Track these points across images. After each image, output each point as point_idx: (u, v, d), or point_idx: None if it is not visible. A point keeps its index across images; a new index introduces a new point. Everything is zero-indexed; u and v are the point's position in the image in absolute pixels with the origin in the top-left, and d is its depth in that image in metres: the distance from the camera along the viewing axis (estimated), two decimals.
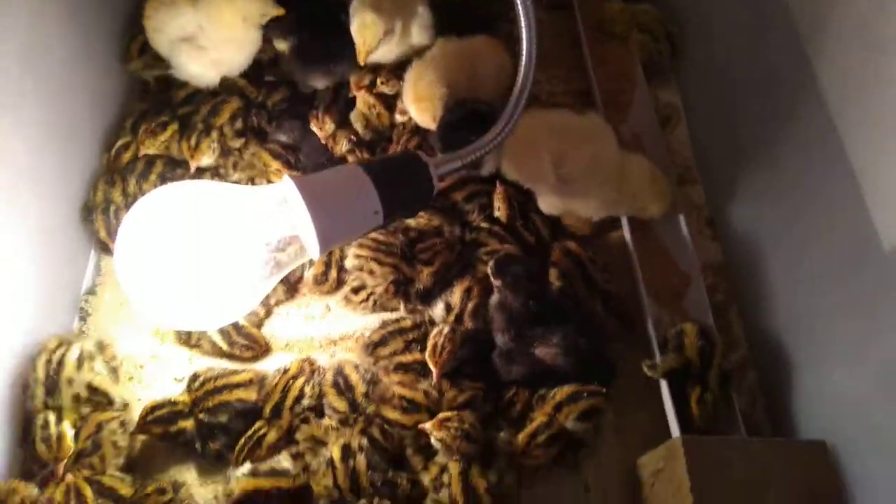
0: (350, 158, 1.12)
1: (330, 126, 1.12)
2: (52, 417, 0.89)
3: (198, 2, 1.09)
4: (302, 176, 0.84)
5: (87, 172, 1.09)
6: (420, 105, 1.06)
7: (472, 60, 1.13)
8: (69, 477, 0.84)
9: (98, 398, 0.93)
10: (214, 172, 1.13)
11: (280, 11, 1.10)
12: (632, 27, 1.28)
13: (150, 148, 1.09)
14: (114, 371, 0.96)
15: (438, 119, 1.06)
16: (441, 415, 0.88)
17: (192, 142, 1.08)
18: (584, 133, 1.06)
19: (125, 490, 0.86)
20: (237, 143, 1.14)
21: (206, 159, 1.09)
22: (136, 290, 0.81)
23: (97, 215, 1.05)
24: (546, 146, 1.03)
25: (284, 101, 1.18)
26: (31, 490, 0.83)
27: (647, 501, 0.90)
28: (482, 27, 1.23)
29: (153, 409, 0.91)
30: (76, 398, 0.92)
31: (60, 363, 0.92)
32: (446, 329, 0.95)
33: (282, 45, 1.16)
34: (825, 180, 0.92)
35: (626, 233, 1.11)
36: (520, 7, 0.93)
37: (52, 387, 0.91)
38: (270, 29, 1.14)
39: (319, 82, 1.18)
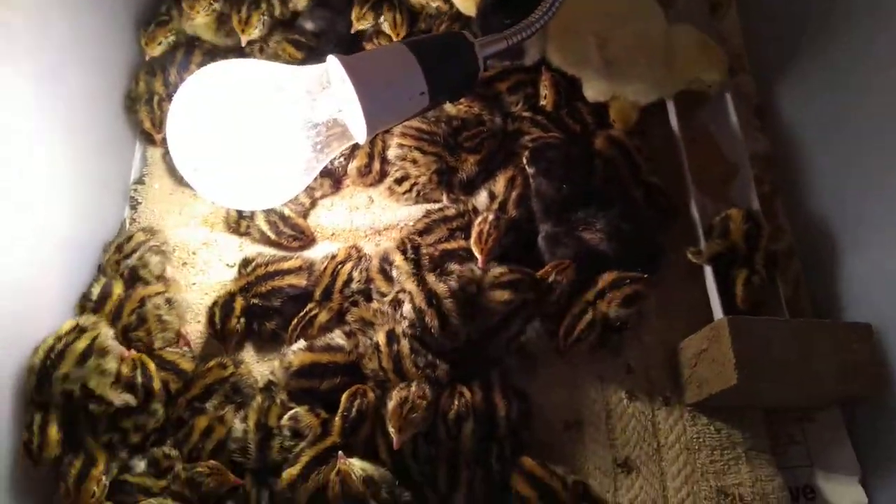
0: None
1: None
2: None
3: None
4: (346, 56, 0.82)
5: (128, 64, 1.09)
6: None
7: None
8: (133, 352, 0.88)
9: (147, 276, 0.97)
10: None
11: None
12: None
13: (198, 13, 1.07)
14: (164, 255, 0.99)
15: (479, 4, 1.03)
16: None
17: (243, 14, 1.07)
18: (628, 12, 1.02)
19: (186, 365, 0.90)
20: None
21: (256, 32, 1.08)
22: (188, 169, 0.82)
23: (140, 106, 1.06)
24: (590, 28, 1.00)
25: None
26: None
27: (689, 381, 0.91)
28: None
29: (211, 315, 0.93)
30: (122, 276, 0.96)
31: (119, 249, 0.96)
32: (491, 216, 0.95)
33: None
34: (881, 67, 0.89)
35: (673, 120, 1.08)
36: None
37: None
38: None
39: None
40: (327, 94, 0.85)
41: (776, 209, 1.06)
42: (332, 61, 0.83)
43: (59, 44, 0.90)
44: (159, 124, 1.04)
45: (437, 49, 0.87)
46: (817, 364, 0.86)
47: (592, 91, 1.06)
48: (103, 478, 0.80)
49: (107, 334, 0.85)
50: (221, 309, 0.93)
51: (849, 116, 0.97)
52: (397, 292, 0.91)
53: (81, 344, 0.82)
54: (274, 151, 0.84)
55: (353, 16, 1.10)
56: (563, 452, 0.90)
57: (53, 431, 0.80)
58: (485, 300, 0.90)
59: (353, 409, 0.84)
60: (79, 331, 0.84)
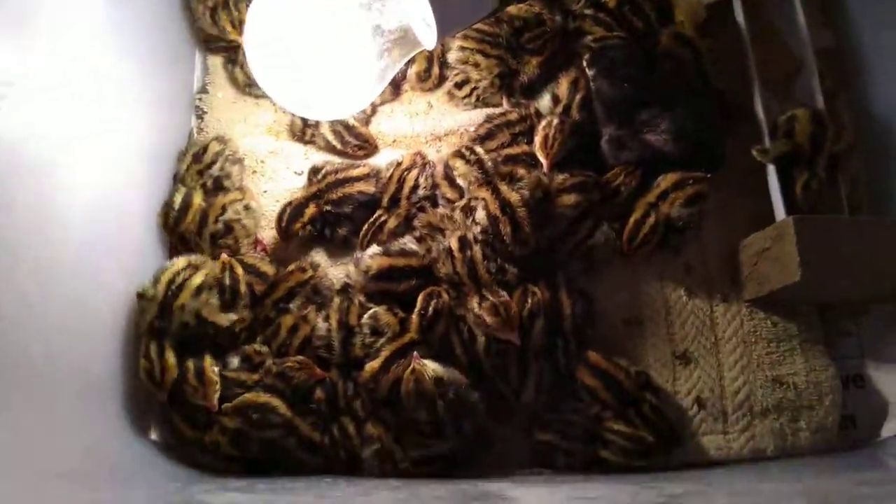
0: None
1: None
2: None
3: None
4: None
5: None
6: None
7: None
8: (224, 256, 0.93)
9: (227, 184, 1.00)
10: None
11: None
12: None
13: None
14: (238, 162, 1.01)
15: None
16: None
17: None
18: None
19: (266, 268, 0.95)
20: None
21: None
22: (265, 79, 0.83)
23: (219, 11, 1.05)
24: None
25: None
26: None
27: (749, 279, 0.95)
28: None
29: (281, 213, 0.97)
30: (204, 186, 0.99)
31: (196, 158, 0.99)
32: (556, 120, 0.96)
33: None
34: None
35: (739, 16, 1.05)
36: None
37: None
38: None
39: None
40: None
41: (839, 106, 1.05)
42: None
43: None
44: (239, 25, 1.03)
45: None
46: (878, 261, 0.88)
47: None
48: (216, 369, 0.88)
49: (214, 270, 0.92)
50: (292, 210, 0.97)
51: None
52: (469, 199, 0.94)
53: (197, 280, 0.89)
54: (347, 59, 0.84)
55: None
56: (624, 347, 0.95)
57: (171, 357, 0.87)
58: (552, 206, 0.92)
59: (430, 308, 0.88)
60: (192, 268, 0.91)
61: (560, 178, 0.94)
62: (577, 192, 0.93)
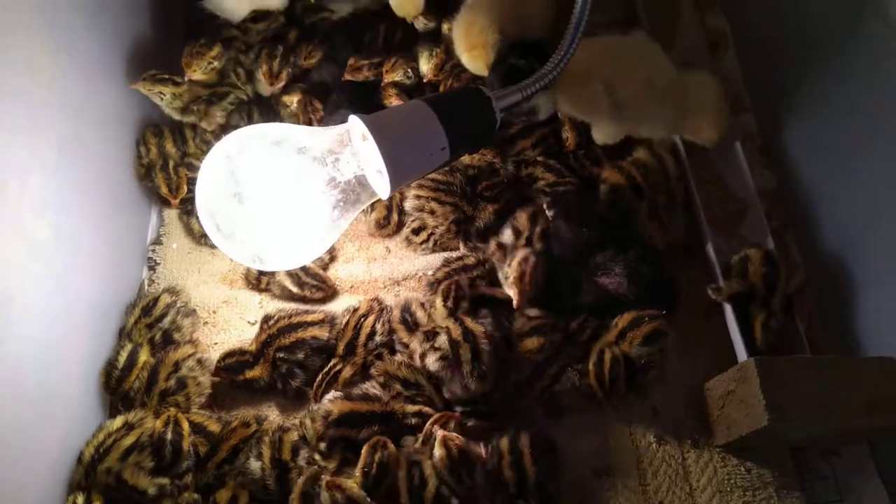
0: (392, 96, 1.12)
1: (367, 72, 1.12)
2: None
3: None
4: (368, 115, 0.83)
5: (141, 125, 1.09)
6: (473, 53, 1.03)
7: None
8: (171, 409, 0.88)
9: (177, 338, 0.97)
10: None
11: None
12: None
13: (196, 71, 1.06)
14: (190, 315, 0.99)
15: (491, 66, 1.05)
16: None
17: (275, 68, 1.10)
18: (634, 56, 1.04)
19: (213, 427, 0.90)
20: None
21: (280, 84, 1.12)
22: (214, 233, 0.82)
23: (156, 172, 1.06)
24: (597, 74, 1.02)
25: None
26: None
27: (718, 423, 0.92)
28: None
29: (224, 358, 0.95)
30: (151, 341, 0.96)
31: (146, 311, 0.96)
32: (532, 258, 0.96)
33: None
34: (880, 98, 0.91)
35: (684, 160, 1.10)
36: None
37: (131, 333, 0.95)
38: None
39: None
40: (349, 152, 0.85)
41: (788, 244, 1.08)
42: (354, 120, 0.83)
43: (77, 110, 0.90)
44: (176, 189, 1.05)
45: (456, 104, 0.88)
46: (845, 401, 0.86)
47: (601, 135, 1.08)
48: None
49: (155, 427, 0.87)
50: (234, 364, 0.94)
51: (850, 149, 1.00)
52: (433, 327, 0.93)
53: (128, 440, 0.85)
54: (300, 211, 0.84)
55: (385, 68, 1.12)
56: (595, 500, 0.90)
57: None
58: (516, 351, 0.91)
59: (374, 464, 0.84)
60: (128, 427, 0.86)
61: (521, 321, 0.93)
62: (540, 335, 0.92)
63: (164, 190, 1.05)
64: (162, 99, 1.06)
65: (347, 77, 1.12)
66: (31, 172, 0.81)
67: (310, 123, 1.10)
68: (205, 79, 1.08)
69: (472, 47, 1.05)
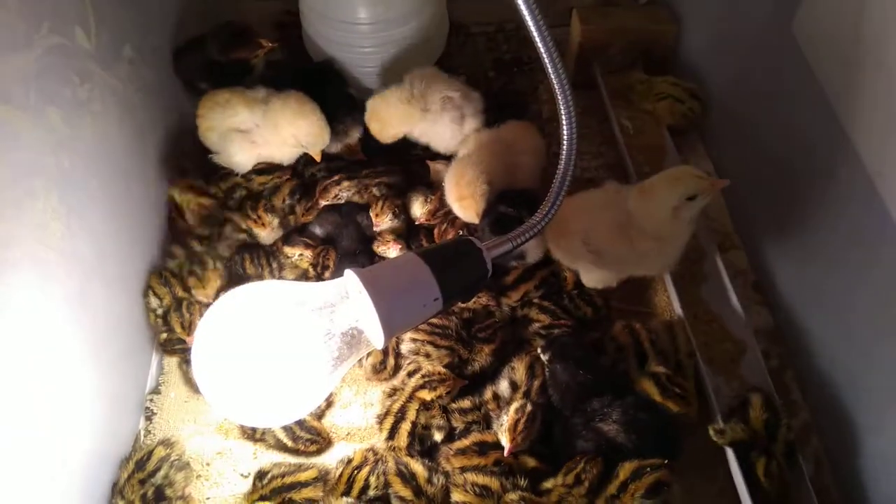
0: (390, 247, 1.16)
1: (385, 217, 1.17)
2: None
3: (252, 106, 1.18)
4: (362, 268, 0.86)
5: (146, 276, 1.13)
6: (464, 203, 1.10)
7: (508, 148, 1.17)
8: None
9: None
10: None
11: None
12: (651, 96, 1.33)
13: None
14: (184, 468, 0.97)
15: (482, 214, 1.10)
16: None
17: (260, 213, 1.17)
18: (601, 204, 1.07)
19: None
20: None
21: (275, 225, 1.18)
22: (212, 392, 0.83)
23: (171, 314, 1.09)
24: (575, 226, 1.06)
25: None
26: None
27: None
28: (515, 112, 1.29)
29: None
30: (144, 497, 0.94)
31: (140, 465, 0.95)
32: (529, 407, 0.96)
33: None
34: (864, 233, 0.93)
35: (674, 299, 1.12)
36: (558, 93, 0.97)
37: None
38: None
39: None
40: (346, 305, 0.88)
41: (787, 382, 1.07)
42: (349, 275, 0.87)
43: (85, 269, 0.94)
44: (189, 327, 1.07)
45: (448, 256, 0.91)
46: None
47: (590, 281, 1.11)
48: None
49: None
50: None
51: (841, 284, 1.01)
52: None
53: None
54: (297, 366, 0.85)
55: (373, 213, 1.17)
56: None
57: None
58: None
59: None
60: None
61: (509, 494, 0.91)
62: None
63: (178, 330, 1.07)
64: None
65: (320, 200, 1.19)
66: (38, 332, 0.83)
67: (321, 273, 1.15)
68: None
69: (461, 197, 1.10)
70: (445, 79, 1.21)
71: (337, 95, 1.26)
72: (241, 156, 1.21)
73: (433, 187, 1.21)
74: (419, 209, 1.19)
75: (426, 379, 1.01)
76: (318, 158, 1.21)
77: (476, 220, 1.09)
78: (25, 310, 0.80)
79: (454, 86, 1.20)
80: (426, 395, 1.00)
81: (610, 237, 1.04)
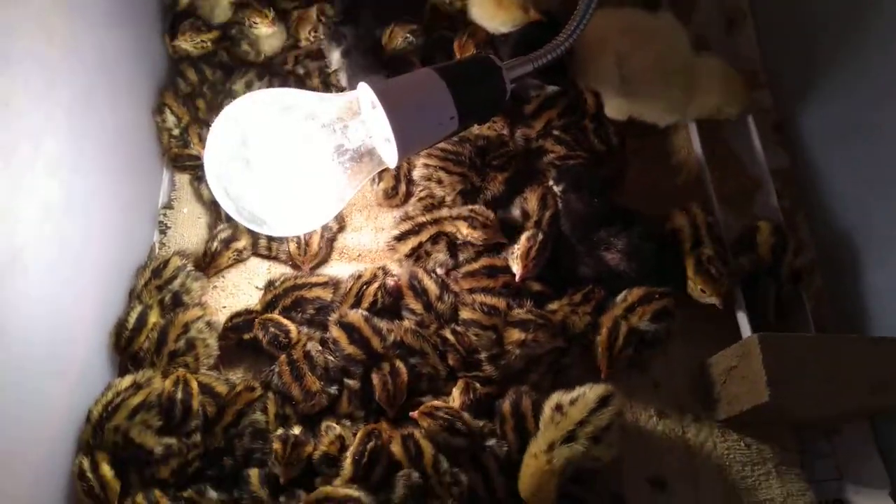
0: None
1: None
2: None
3: None
4: (377, 80, 0.83)
5: (155, 88, 1.10)
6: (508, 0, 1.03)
7: None
8: (180, 370, 0.90)
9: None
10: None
11: None
12: None
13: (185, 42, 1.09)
14: (200, 278, 1.00)
15: (532, 11, 1.03)
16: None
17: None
18: (651, 33, 1.03)
19: (220, 388, 0.91)
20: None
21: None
22: (224, 199, 0.83)
23: (190, 131, 1.08)
24: (612, 46, 1.01)
25: None
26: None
27: (719, 398, 0.92)
28: None
29: (231, 318, 0.96)
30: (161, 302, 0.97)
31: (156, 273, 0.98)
32: (540, 235, 0.96)
33: None
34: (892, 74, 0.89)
35: (695, 139, 1.09)
36: None
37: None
38: None
39: None
40: (358, 120, 0.86)
41: (798, 223, 1.07)
42: (363, 88, 0.84)
43: (90, 69, 0.91)
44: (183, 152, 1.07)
45: (466, 74, 0.88)
46: (847, 379, 0.86)
47: (612, 109, 1.07)
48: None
49: (164, 387, 0.88)
50: (242, 322, 0.96)
51: (866, 127, 0.98)
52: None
53: (136, 399, 0.87)
54: (308, 177, 0.85)
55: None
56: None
57: (107, 470, 0.82)
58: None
59: (366, 453, 0.84)
60: (136, 387, 0.88)
61: (516, 310, 0.94)
62: (523, 329, 0.91)
63: (195, 142, 1.06)
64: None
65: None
66: (45, 133, 0.82)
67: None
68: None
69: (499, 0, 1.03)
70: None
71: None
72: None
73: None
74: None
75: (472, 213, 0.98)
76: None
77: (523, 18, 1.03)
78: (28, 111, 0.78)
79: None
80: (463, 227, 0.98)
81: (647, 70, 1.00)
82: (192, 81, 1.11)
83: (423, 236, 1.01)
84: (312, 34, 1.13)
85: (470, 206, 1.02)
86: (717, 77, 1.02)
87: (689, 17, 1.21)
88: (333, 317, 0.93)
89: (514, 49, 1.05)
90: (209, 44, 1.10)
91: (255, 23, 1.09)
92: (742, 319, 0.94)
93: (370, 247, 1.07)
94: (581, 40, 0.95)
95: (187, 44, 1.09)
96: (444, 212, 1.02)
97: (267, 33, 1.11)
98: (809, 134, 1.10)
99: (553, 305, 0.97)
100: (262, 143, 0.83)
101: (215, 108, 1.06)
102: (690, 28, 1.15)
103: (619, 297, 0.96)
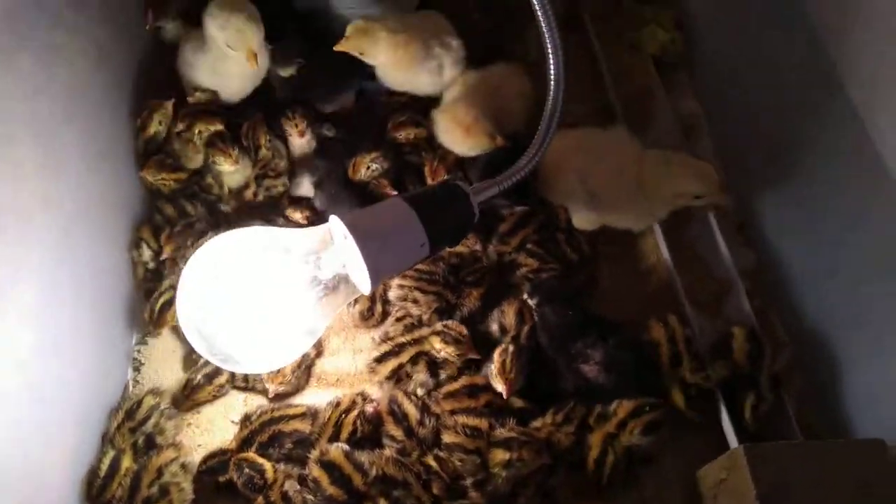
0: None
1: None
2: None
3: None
4: (347, 213, 0.85)
5: (133, 223, 1.12)
6: (472, 130, 1.07)
7: (496, 90, 1.15)
8: None
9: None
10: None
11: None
12: (640, 25, 1.31)
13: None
14: (174, 417, 0.98)
15: (494, 135, 1.07)
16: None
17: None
18: (607, 147, 1.07)
19: None
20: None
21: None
22: (197, 340, 0.82)
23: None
24: (571, 164, 1.05)
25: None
26: None
27: None
28: (496, 53, 1.27)
29: (206, 459, 0.94)
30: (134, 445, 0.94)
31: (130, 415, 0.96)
32: (511, 347, 0.96)
33: (286, 72, 1.20)
34: (854, 173, 0.93)
35: (661, 242, 1.12)
36: (545, 33, 0.94)
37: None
38: (274, 58, 1.17)
39: (328, 107, 1.23)
40: (332, 251, 0.87)
41: (772, 322, 1.08)
42: (335, 220, 0.85)
43: (67, 214, 0.92)
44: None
45: (434, 201, 0.90)
46: (834, 484, 0.85)
47: (581, 221, 1.10)
48: None
49: None
50: (216, 464, 0.93)
51: (827, 224, 1.01)
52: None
53: None
54: (282, 313, 0.85)
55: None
56: None
57: None
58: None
59: None
60: None
61: (499, 430, 0.93)
62: (507, 448, 0.90)
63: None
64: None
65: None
66: (17, 282, 0.82)
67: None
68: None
69: (467, 128, 1.08)
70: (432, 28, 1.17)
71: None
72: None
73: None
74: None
75: (445, 329, 0.99)
76: (251, 65, 1.07)
77: (494, 144, 1.07)
78: (4, 260, 0.79)
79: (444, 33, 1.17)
80: (436, 342, 0.98)
81: (609, 182, 1.04)
82: (169, 216, 1.12)
83: (404, 357, 1.01)
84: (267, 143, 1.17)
85: (443, 322, 1.02)
86: (660, 165, 1.03)
87: (648, 127, 1.26)
88: (314, 454, 0.90)
89: (482, 171, 1.09)
90: (172, 183, 1.12)
91: (218, 161, 1.12)
92: (728, 429, 0.94)
93: (349, 370, 1.05)
94: (543, 161, 0.99)
95: (150, 177, 1.11)
96: (424, 330, 1.02)
97: (230, 170, 1.13)
98: (773, 232, 1.13)
99: (537, 423, 0.95)
100: (235, 282, 0.84)
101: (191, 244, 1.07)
102: (648, 137, 1.21)
103: (608, 410, 0.94)
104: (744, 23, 1.15)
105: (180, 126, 1.12)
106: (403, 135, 1.18)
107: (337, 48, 1.08)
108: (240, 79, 1.16)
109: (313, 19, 1.24)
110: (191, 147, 1.13)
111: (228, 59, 1.11)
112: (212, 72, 1.14)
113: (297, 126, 1.17)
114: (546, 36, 0.92)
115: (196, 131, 1.12)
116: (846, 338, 0.99)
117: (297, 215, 1.13)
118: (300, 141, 1.19)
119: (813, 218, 1.04)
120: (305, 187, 1.20)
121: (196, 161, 1.14)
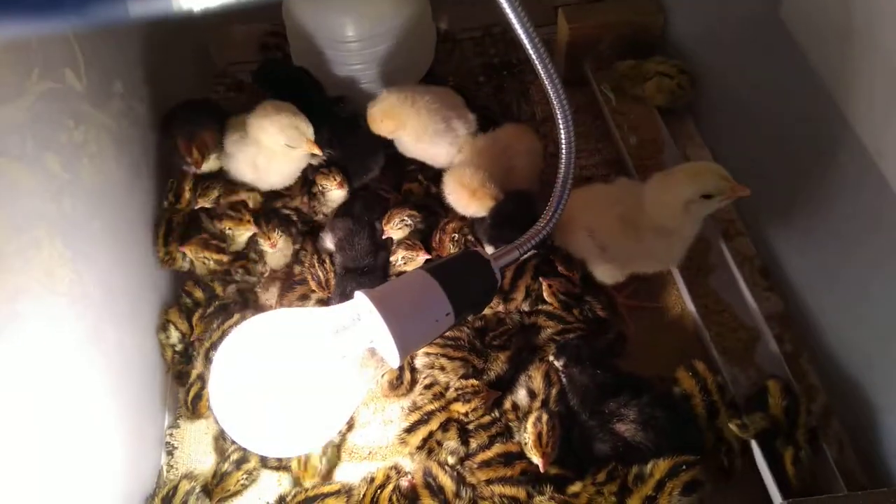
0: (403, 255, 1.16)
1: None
2: None
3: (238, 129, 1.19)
4: (373, 290, 0.86)
5: (157, 310, 1.13)
6: (478, 194, 1.10)
7: (504, 151, 1.17)
8: None
9: None
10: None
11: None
12: (640, 79, 1.33)
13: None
14: (208, 497, 0.97)
15: (496, 197, 1.10)
16: None
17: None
18: (608, 199, 1.08)
19: None
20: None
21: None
22: (231, 425, 0.83)
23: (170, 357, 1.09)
24: (579, 223, 1.06)
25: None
26: None
27: None
28: (502, 115, 1.30)
29: None
30: None
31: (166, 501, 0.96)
32: (545, 416, 0.95)
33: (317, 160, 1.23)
34: (874, 212, 0.93)
35: (684, 292, 1.12)
36: (551, 93, 0.96)
37: None
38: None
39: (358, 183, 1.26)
40: (359, 326, 0.87)
41: (804, 367, 1.07)
42: (360, 296, 0.86)
43: (95, 310, 0.94)
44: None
45: (457, 270, 0.91)
46: None
47: (602, 275, 1.10)
48: None
49: None
50: None
51: (853, 266, 1.00)
52: None
53: None
54: (314, 394, 0.85)
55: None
56: None
57: None
58: None
59: None
60: None
61: (537, 498, 0.92)
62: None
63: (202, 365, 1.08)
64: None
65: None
66: (47, 380, 0.83)
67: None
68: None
69: (473, 191, 1.10)
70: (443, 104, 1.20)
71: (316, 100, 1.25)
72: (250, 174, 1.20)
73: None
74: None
75: (459, 391, 1.00)
76: (317, 150, 1.14)
77: (492, 203, 1.10)
78: (39, 360, 0.80)
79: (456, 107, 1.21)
80: (460, 407, 0.99)
81: (615, 232, 1.04)
82: (197, 298, 1.14)
83: (433, 424, 1.00)
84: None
85: (455, 387, 1.02)
86: (682, 167, 1.04)
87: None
88: None
89: (489, 229, 1.10)
90: (212, 263, 1.15)
91: (259, 242, 1.17)
92: (769, 483, 0.91)
93: (380, 442, 1.05)
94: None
95: (191, 254, 1.13)
96: (451, 395, 1.02)
97: (271, 252, 1.17)
98: (798, 277, 1.12)
99: (575, 487, 0.93)
100: (266, 366, 0.84)
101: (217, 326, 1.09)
102: None
103: (644, 471, 0.92)
104: (750, 74, 1.16)
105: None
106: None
107: (373, 130, 1.17)
108: (280, 175, 1.21)
109: (338, 108, 1.29)
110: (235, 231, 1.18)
111: (276, 156, 1.16)
112: (253, 167, 1.19)
113: (335, 179, 1.20)
114: (553, 100, 0.93)
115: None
116: (879, 380, 0.97)
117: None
118: (340, 193, 1.21)
119: (835, 260, 1.03)
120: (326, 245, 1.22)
121: (238, 245, 1.19)
